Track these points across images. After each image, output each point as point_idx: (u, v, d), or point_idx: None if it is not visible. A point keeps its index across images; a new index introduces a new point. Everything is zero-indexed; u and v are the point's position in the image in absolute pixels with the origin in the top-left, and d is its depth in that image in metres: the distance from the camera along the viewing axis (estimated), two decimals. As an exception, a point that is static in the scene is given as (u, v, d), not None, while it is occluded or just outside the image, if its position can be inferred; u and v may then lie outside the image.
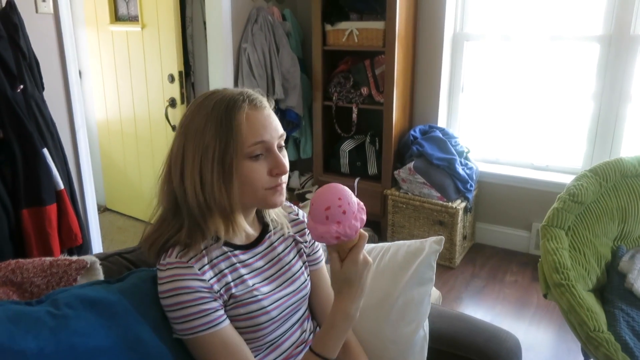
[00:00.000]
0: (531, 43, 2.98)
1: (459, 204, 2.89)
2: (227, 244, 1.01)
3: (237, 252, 1.02)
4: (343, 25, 3.04)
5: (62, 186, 2.06)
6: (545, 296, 1.60)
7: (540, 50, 2.98)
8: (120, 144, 3.65)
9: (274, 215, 1.11)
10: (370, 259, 0.92)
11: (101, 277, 1.04)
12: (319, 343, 0.95)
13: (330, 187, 0.88)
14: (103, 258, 1.13)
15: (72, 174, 2.27)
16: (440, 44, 3.09)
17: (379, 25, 2.93)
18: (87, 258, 1.04)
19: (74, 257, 1.03)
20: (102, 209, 3.81)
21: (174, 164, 0.98)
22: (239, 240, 1.04)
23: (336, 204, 0.85)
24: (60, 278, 0.99)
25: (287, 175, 1.00)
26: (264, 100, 0.99)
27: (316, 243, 1.18)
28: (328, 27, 3.10)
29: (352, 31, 3.02)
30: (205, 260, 0.96)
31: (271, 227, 1.10)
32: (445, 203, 2.89)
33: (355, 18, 3.06)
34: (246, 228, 1.02)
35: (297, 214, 1.17)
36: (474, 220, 3.21)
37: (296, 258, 1.11)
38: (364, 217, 0.88)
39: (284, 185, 1.00)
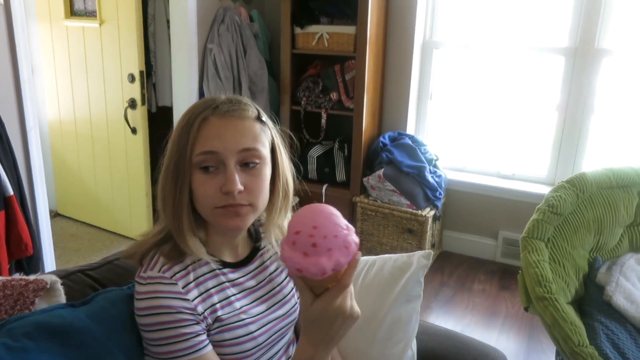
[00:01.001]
0: (499, 53, 3.01)
1: (428, 212, 2.88)
2: (215, 260, 0.92)
3: (225, 270, 0.93)
4: (313, 28, 2.98)
5: (11, 192, 1.89)
6: (526, 309, 1.58)
7: (507, 60, 3.01)
8: (74, 145, 3.44)
9: (276, 236, 1.00)
10: (351, 309, 0.74)
11: (63, 299, 0.92)
12: None
13: (314, 209, 0.72)
14: (63, 276, 1.00)
15: (23, 178, 2.10)
16: (410, 51, 3.08)
17: (350, 30, 2.88)
18: (46, 277, 0.92)
19: (31, 277, 0.91)
20: (53, 214, 3.58)
21: (163, 168, 0.90)
22: (229, 257, 0.95)
23: (307, 232, 0.69)
24: (15, 301, 0.86)
25: (252, 196, 0.87)
26: (240, 108, 0.88)
27: None
28: (297, 30, 3.03)
29: (322, 35, 2.96)
30: (191, 277, 0.87)
31: (262, 244, 1.01)
32: (414, 211, 2.86)
33: (325, 22, 3.01)
34: (199, 251, 0.88)
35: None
36: (441, 228, 3.21)
37: (287, 279, 1.03)
38: (344, 260, 0.69)
39: (243, 209, 0.86)
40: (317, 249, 0.68)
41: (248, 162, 0.87)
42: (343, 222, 0.72)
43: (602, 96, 2.79)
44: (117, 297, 0.91)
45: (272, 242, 1.00)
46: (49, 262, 2.44)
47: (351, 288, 0.75)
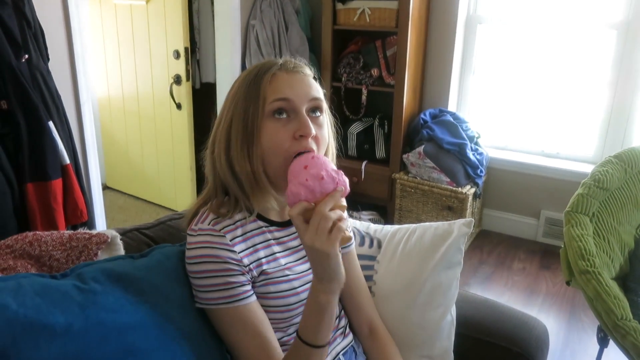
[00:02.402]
0: (545, 28, 2.92)
1: (469, 190, 2.85)
2: (263, 219, 0.97)
3: (272, 228, 0.98)
4: (355, 4, 2.96)
5: (68, 161, 2.00)
6: (568, 283, 1.57)
7: (554, 35, 2.92)
8: (122, 121, 3.57)
9: None
10: (311, 244, 0.75)
11: (122, 252, 0.99)
12: (303, 329, 0.85)
13: (310, 157, 0.84)
14: (122, 233, 1.08)
15: (77, 150, 2.20)
16: (453, 26, 3.02)
17: (392, 4, 2.85)
18: (107, 232, 0.99)
19: (94, 231, 0.98)
20: (103, 187, 3.74)
21: (214, 133, 0.95)
22: (276, 217, 1.00)
23: (298, 170, 0.82)
24: (80, 252, 0.93)
25: (320, 144, 0.92)
26: (301, 65, 0.95)
27: (349, 224, 1.15)
28: (339, 6, 3.02)
29: (364, 10, 2.94)
30: (239, 232, 0.93)
31: None
32: (454, 188, 2.84)
33: (367, -3, 2.98)
34: (272, 202, 0.94)
35: None
36: (481, 206, 3.18)
37: None
38: (318, 189, 0.78)
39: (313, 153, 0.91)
40: (293, 180, 0.80)
41: (315, 110, 0.92)
42: (319, 158, 0.83)
43: (656, 72, 2.68)
44: (171, 252, 0.97)
45: None
46: (101, 229, 2.57)
47: (323, 223, 0.76)
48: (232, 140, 0.90)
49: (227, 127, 0.91)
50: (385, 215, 3.18)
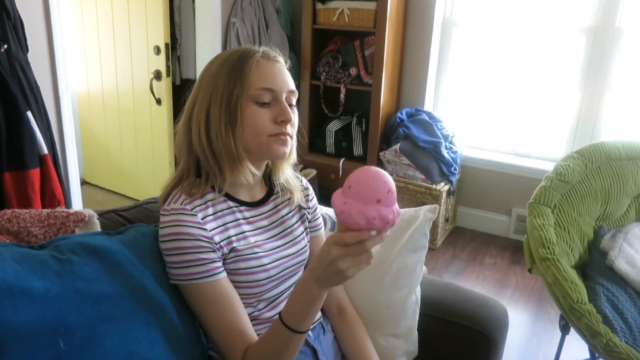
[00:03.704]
0: (518, 32, 3.02)
1: (443, 187, 2.93)
2: (233, 199, 1.02)
3: (242, 208, 1.03)
4: (334, 4, 3.03)
5: (46, 151, 2.01)
6: (530, 270, 1.64)
7: (527, 40, 3.02)
8: (101, 116, 3.58)
9: (286, 182, 1.10)
10: (349, 272, 0.77)
11: (99, 230, 1.03)
12: (287, 314, 0.87)
13: (374, 171, 0.76)
14: (99, 214, 1.11)
15: (56, 141, 2.22)
16: (429, 29, 3.11)
17: (370, 5, 2.92)
18: (85, 211, 1.02)
19: (72, 210, 1.01)
20: (81, 182, 3.73)
21: (186, 113, 0.99)
22: (245, 197, 1.05)
23: (359, 187, 0.74)
24: (58, 229, 0.97)
25: (294, 129, 1.00)
26: (278, 55, 1.01)
27: (318, 209, 1.20)
28: (319, 6, 3.08)
29: (343, 10, 3.01)
30: (210, 211, 0.97)
31: (277, 190, 1.11)
32: (429, 185, 2.92)
33: (346, -3, 3.05)
34: (253, 170, 1.00)
35: (302, 181, 1.19)
36: (455, 204, 3.27)
37: (298, 223, 1.12)
38: (377, 224, 0.73)
39: (290, 139, 0.99)
40: (361, 200, 0.73)
41: (291, 102, 1.00)
42: (393, 193, 0.75)
43: (619, 74, 2.80)
44: (147, 230, 1.01)
45: (286, 185, 1.10)
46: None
47: (357, 253, 0.76)
48: (213, 119, 0.95)
49: (206, 105, 0.96)
50: (362, 211, 3.23)
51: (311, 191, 1.19)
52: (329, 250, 0.77)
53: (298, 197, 1.12)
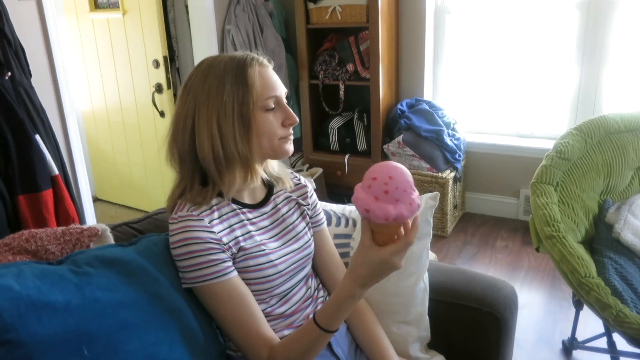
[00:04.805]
0: (511, 12, 3.03)
1: (448, 174, 2.95)
2: (236, 202, 1.07)
3: (245, 210, 1.08)
4: (326, 2, 3.05)
5: (56, 172, 2.06)
6: (537, 250, 1.67)
7: (521, 19, 3.03)
8: (107, 132, 3.64)
9: (275, 170, 1.16)
10: (401, 264, 0.84)
11: (112, 243, 1.07)
12: (321, 315, 0.92)
13: (393, 164, 0.80)
14: (112, 227, 1.15)
15: (65, 161, 2.27)
16: (422, 18, 3.13)
17: (361, 0, 2.95)
18: (98, 226, 1.07)
19: (85, 225, 1.06)
20: (93, 199, 3.80)
21: (183, 126, 1.02)
22: (247, 199, 1.10)
23: (383, 180, 0.78)
24: (74, 245, 1.01)
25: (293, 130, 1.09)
26: (266, 60, 1.06)
27: (318, 206, 1.24)
28: (311, 6, 3.11)
29: (335, 8, 3.04)
30: (216, 215, 1.02)
31: (275, 189, 1.15)
32: (434, 174, 2.94)
33: (337, -5, 3.08)
34: (261, 172, 1.07)
35: (299, 180, 1.23)
36: (463, 190, 3.28)
37: (299, 219, 1.17)
38: (406, 214, 0.78)
39: (291, 138, 1.08)
40: (387, 196, 0.77)
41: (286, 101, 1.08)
42: (412, 183, 0.80)
43: (616, 46, 2.80)
44: (158, 239, 1.05)
45: (274, 174, 1.15)
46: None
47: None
48: (225, 130, 0.98)
49: (215, 119, 0.98)
50: (370, 205, 3.26)
51: (310, 189, 1.23)
52: (372, 255, 0.82)
53: (289, 184, 1.17)
